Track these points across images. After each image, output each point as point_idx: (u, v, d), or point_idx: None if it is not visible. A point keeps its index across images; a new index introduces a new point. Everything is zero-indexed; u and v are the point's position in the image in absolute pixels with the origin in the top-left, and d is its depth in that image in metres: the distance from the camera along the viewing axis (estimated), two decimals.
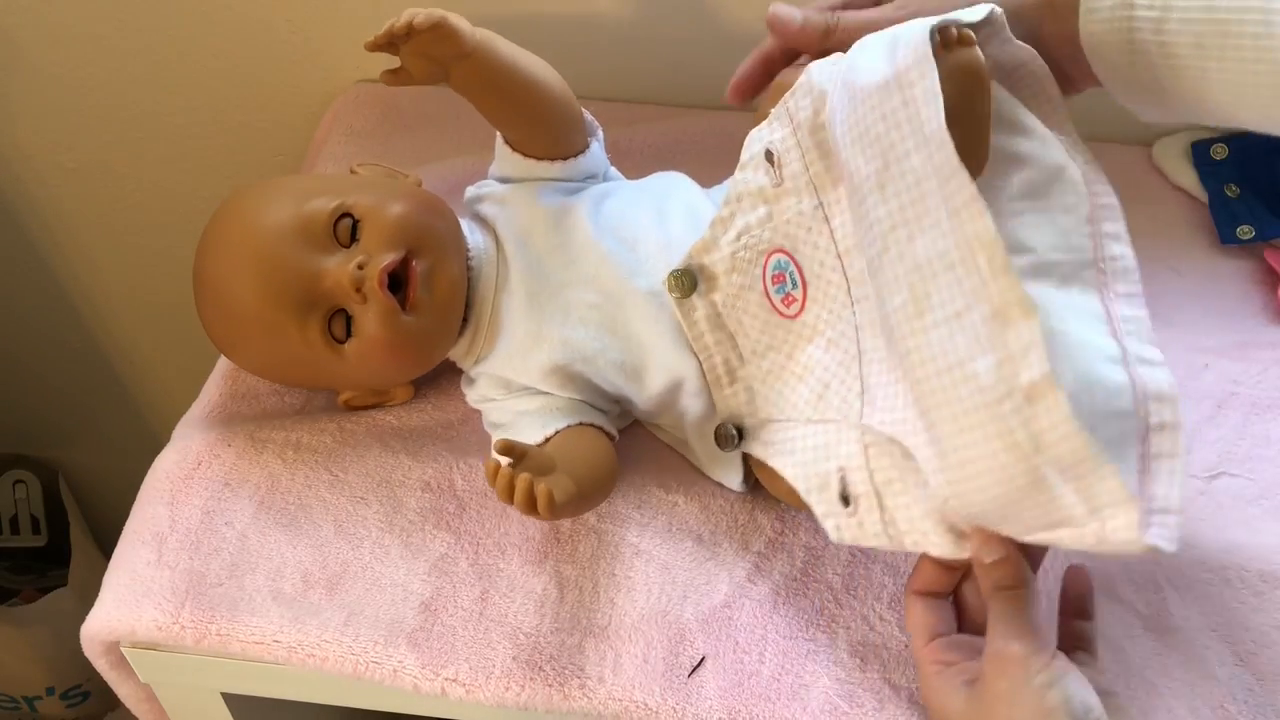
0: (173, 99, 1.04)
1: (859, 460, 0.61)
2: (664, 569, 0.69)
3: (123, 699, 0.75)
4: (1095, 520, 0.52)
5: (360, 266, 0.68)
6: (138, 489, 0.74)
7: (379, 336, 0.68)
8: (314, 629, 0.67)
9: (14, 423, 1.41)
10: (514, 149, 0.75)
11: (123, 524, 0.72)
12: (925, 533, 0.59)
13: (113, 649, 0.70)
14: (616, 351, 0.70)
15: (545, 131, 0.74)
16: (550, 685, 0.65)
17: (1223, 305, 0.84)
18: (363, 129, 0.96)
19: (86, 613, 0.69)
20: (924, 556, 0.61)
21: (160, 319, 1.27)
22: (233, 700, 0.75)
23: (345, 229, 0.70)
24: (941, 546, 0.58)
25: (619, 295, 0.70)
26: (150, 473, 0.74)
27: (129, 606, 0.68)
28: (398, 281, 0.68)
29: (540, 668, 0.65)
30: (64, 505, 1.43)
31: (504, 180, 0.76)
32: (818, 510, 0.63)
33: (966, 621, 0.62)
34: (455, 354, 0.74)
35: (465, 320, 0.72)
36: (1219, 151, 0.90)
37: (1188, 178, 0.91)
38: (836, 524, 0.62)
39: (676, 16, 0.93)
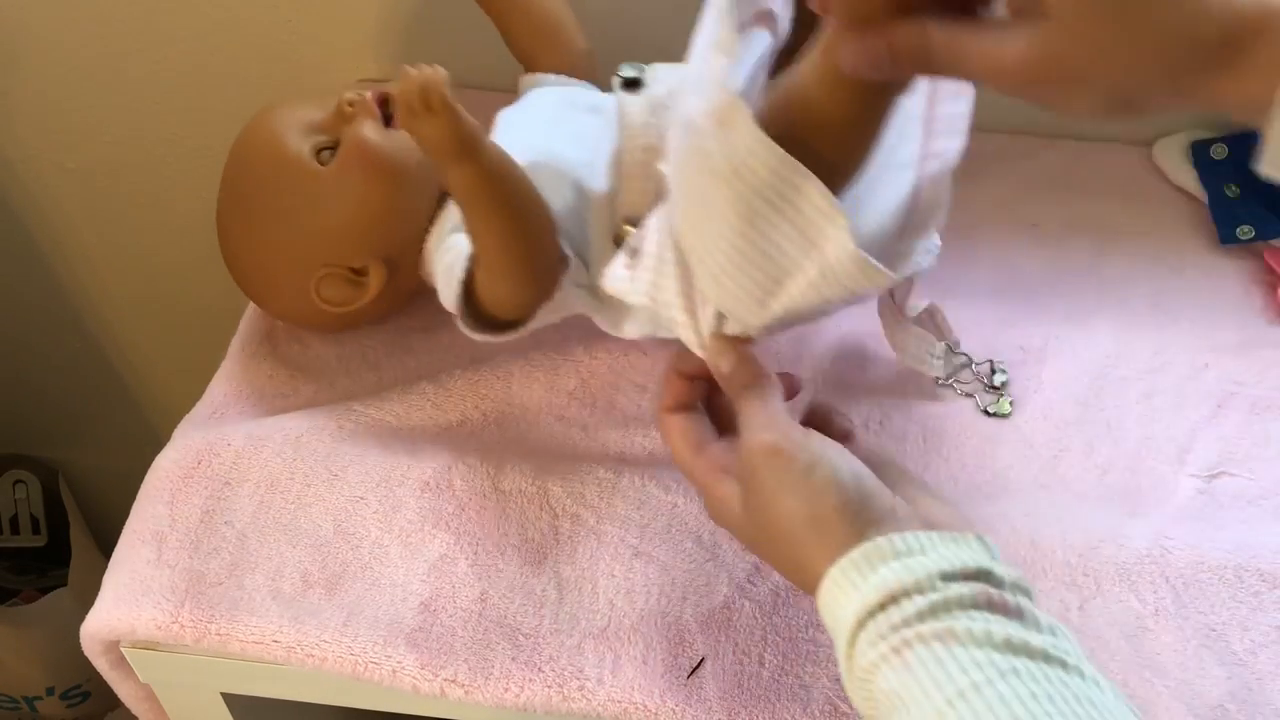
0: (172, 98, 1.04)
1: (664, 228, 0.62)
2: (664, 570, 0.69)
3: (123, 699, 0.75)
4: (815, 251, 0.54)
5: (350, 104, 0.72)
6: (138, 489, 0.74)
7: (357, 140, 0.71)
8: (313, 629, 0.67)
9: (14, 423, 1.41)
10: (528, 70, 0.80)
11: (123, 524, 0.72)
12: (678, 310, 0.61)
13: (112, 648, 0.70)
14: (573, 152, 0.71)
15: (553, 40, 0.79)
16: (549, 686, 0.65)
17: (1223, 305, 0.84)
18: None
19: (86, 613, 0.69)
20: (670, 376, 0.63)
21: (160, 319, 1.27)
22: (232, 700, 0.75)
23: (343, 106, 0.74)
24: (687, 329, 0.61)
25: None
26: (150, 472, 0.74)
27: (129, 606, 0.68)
28: (386, 113, 0.73)
29: (539, 668, 0.65)
30: (64, 505, 1.43)
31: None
32: (614, 261, 0.66)
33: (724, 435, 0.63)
34: (434, 228, 0.74)
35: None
36: (1219, 151, 0.90)
37: (1188, 178, 0.91)
38: (613, 271, 0.65)
39: None
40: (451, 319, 0.82)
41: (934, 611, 0.48)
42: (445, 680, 0.65)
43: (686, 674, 0.65)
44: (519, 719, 0.67)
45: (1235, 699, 0.64)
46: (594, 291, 0.70)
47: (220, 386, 0.79)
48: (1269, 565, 0.69)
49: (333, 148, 0.73)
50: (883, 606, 0.49)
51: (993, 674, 0.46)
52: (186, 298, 1.23)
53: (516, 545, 0.70)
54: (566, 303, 0.70)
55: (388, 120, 0.73)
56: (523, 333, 0.69)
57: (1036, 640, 0.48)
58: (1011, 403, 0.77)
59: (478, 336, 0.69)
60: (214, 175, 1.10)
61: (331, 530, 0.71)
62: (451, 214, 0.72)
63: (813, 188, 0.53)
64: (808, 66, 0.54)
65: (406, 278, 0.76)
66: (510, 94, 1.01)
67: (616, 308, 0.70)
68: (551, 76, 0.79)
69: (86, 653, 0.70)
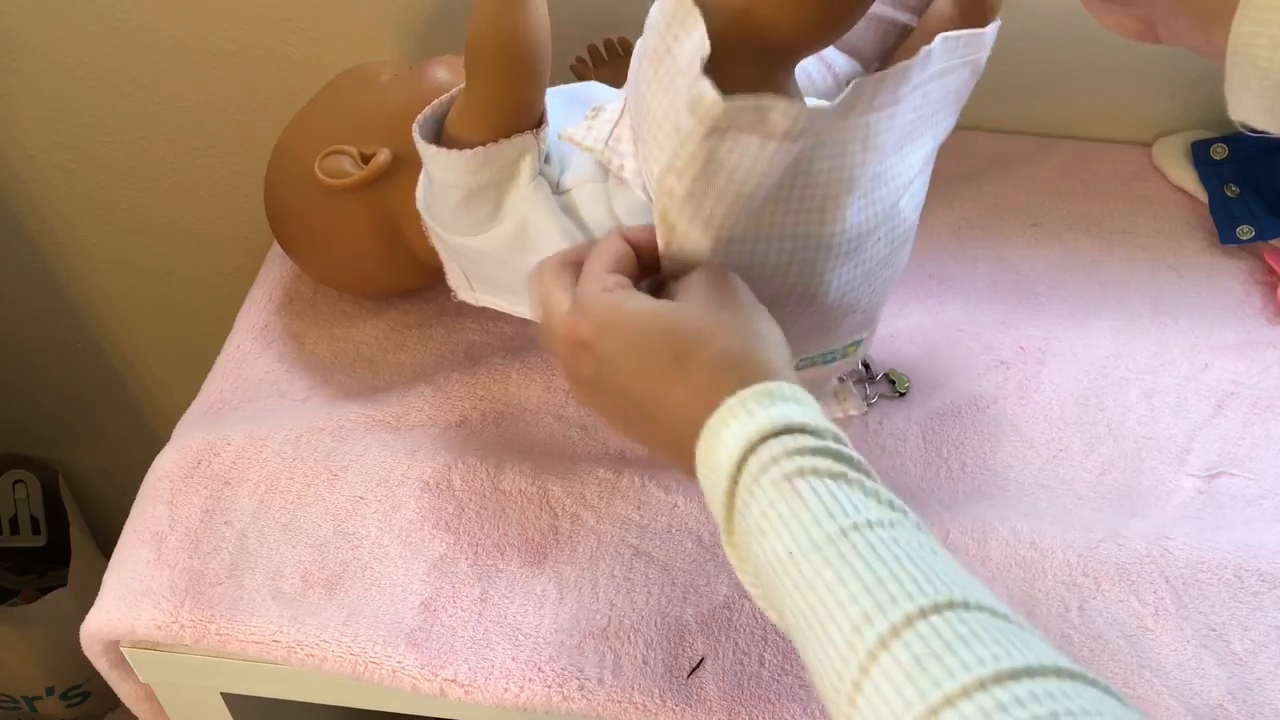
0: (173, 99, 1.04)
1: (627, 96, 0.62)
2: (664, 570, 0.69)
3: (123, 699, 0.75)
4: (673, 43, 0.54)
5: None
6: (138, 489, 0.74)
7: (426, 63, 0.77)
8: (313, 629, 0.67)
9: (14, 423, 1.41)
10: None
11: (123, 524, 0.72)
12: (625, 156, 0.62)
13: (112, 648, 0.70)
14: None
15: None
16: (549, 686, 0.65)
17: (1223, 305, 0.84)
18: None
19: (86, 613, 0.69)
20: (611, 235, 0.60)
21: (160, 319, 1.27)
22: (232, 700, 0.75)
23: None
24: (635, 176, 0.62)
25: None
26: (150, 472, 0.74)
27: (128, 606, 0.68)
28: None
29: (539, 668, 0.65)
30: (64, 505, 1.43)
31: None
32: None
33: None
34: None
35: None
36: (1219, 151, 0.90)
37: (1188, 178, 0.91)
38: (573, 127, 0.66)
39: None
40: (444, 317, 0.83)
41: (828, 453, 0.49)
42: (445, 680, 0.65)
43: (686, 674, 0.65)
44: (519, 719, 0.67)
45: (1235, 699, 0.64)
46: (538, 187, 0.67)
47: (216, 383, 0.79)
48: (1269, 565, 0.69)
49: None
50: (780, 432, 0.49)
51: (884, 517, 0.47)
52: (186, 298, 1.23)
53: (516, 545, 0.70)
54: (512, 181, 0.67)
55: None
56: (478, 156, 0.65)
57: (903, 505, 0.49)
58: (904, 373, 0.79)
59: (434, 157, 0.66)
60: (214, 175, 1.10)
61: (331, 530, 0.71)
62: None
63: (698, 30, 0.52)
64: None
65: (403, 192, 0.72)
66: None
67: (541, 222, 0.67)
68: None
69: (86, 653, 0.70)
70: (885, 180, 0.62)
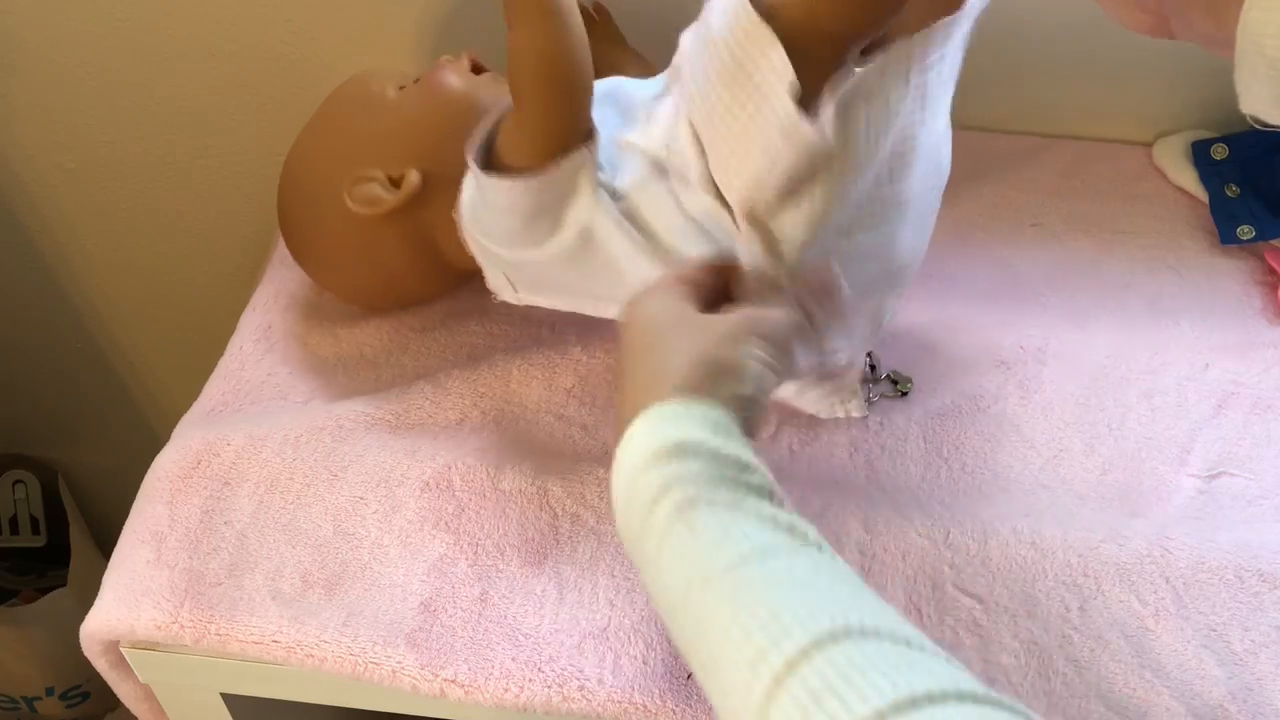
0: (172, 99, 1.04)
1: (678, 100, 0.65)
2: None
3: (122, 699, 0.75)
4: (769, 112, 0.57)
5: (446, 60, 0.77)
6: (137, 489, 0.74)
7: (434, 71, 0.76)
8: (313, 629, 0.66)
9: (14, 423, 1.41)
10: None
11: (122, 524, 0.72)
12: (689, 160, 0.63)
13: (112, 648, 0.70)
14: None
15: None
16: (549, 686, 0.65)
17: (1223, 305, 0.84)
18: None
19: (86, 613, 0.69)
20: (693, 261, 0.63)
21: (160, 319, 1.27)
22: (232, 700, 0.75)
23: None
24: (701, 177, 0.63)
25: None
26: (150, 472, 0.74)
27: (128, 606, 0.68)
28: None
29: (539, 669, 0.65)
30: (63, 505, 1.43)
31: None
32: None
33: None
34: None
35: None
36: (1219, 151, 0.90)
37: (1188, 178, 0.91)
38: (625, 132, 0.68)
39: None
40: (448, 319, 0.83)
41: (724, 480, 0.48)
42: (445, 680, 0.65)
43: (686, 674, 0.65)
44: (519, 719, 0.67)
45: (1235, 699, 0.64)
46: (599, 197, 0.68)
47: (218, 385, 0.79)
48: (1269, 565, 0.69)
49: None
50: (675, 455, 0.49)
51: (780, 544, 0.47)
52: (186, 298, 1.23)
53: (516, 545, 0.70)
54: (573, 197, 0.67)
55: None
56: (531, 182, 0.66)
57: (804, 528, 0.49)
58: (906, 374, 0.79)
59: (486, 183, 0.66)
60: (214, 175, 1.10)
61: (331, 530, 0.71)
62: None
63: (775, 52, 0.56)
64: None
65: (437, 214, 0.72)
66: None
67: (608, 233, 0.68)
68: None
69: (86, 653, 0.70)
70: (934, 132, 0.66)
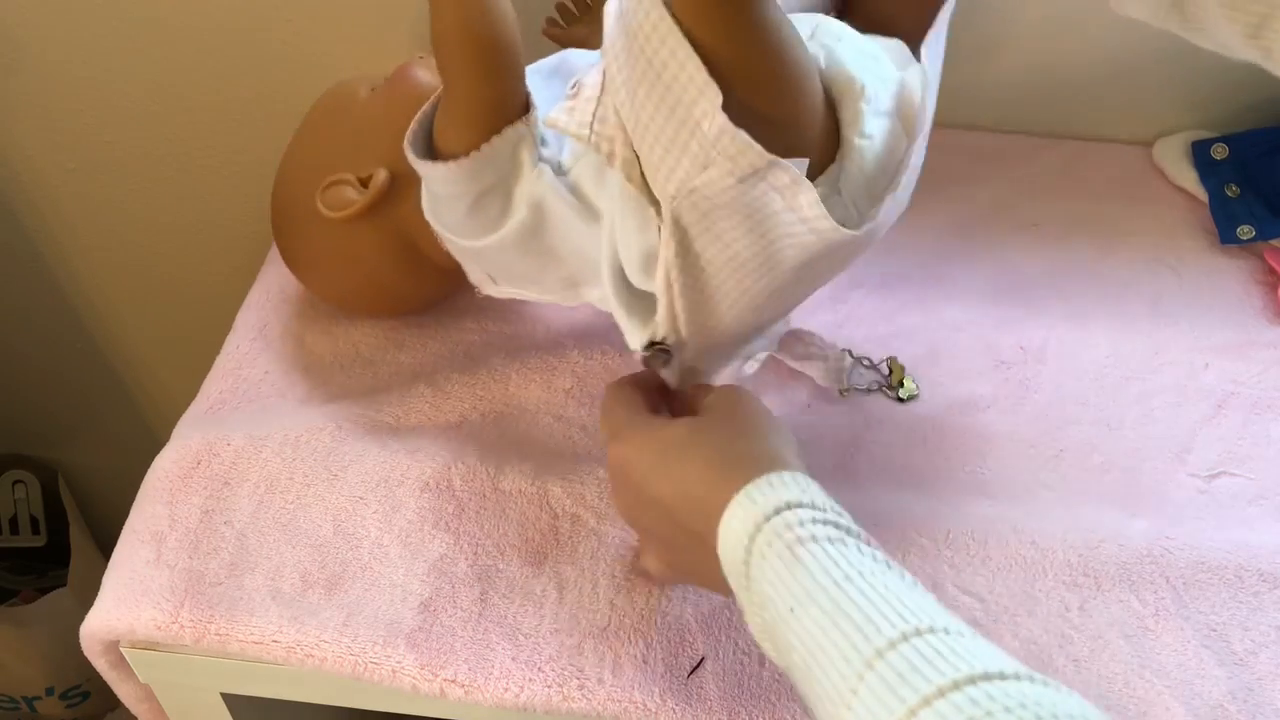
0: (172, 99, 1.04)
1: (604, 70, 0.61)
2: None
3: (122, 699, 0.75)
4: (692, 125, 0.54)
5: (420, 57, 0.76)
6: (137, 489, 0.74)
7: (405, 65, 0.75)
8: (313, 629, 0.66)
9: (14, 423, 1.41)
10: None
11: (122, 524, 0.72)
12: (615, 141, 0.60)
13: (112, 648, 0.70)
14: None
15: None
16: (549, 686, 0.65)
17: (1223, 305, 0.84)
18: None
19: (86, 613, 0.69)
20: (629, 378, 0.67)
21: (160, 319, 1.27)
22: (232, 700, 0.75)
23: None
24: (629, 165, 0.60)
25: None
26: (150, 472, 0.74)
27: (128, 606, 0.68)
28: None
29: (539, 668, 0.65)
30: (63, 505, 1.43)
31: None
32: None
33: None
34: None
35: None
36: (1219, 151, 0.90)
37: (1188, 178, 0.91)
38: (554, 111, 0.64)
39: None
40: (443, 317, 0.83)
41: (826, 522, 0.54)
42: (445, 680, 0.65)
43: (686, 674, 0.65)
44: (519, 719, 0.67)
45: (1235, 699, 0.64)
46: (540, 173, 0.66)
47: (215, 384, 0.79)
48: (1269, 565, 0.69)
49: None
50: (783, 509, 0.54)
51: (874, 569, 0.52)
52: (186, 298, 1.23)
53: (516, 545, 0.70)
54: (515, 174, 0.66)
55: None
56: (468, 164, 0.65)
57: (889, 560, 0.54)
58: (915, 382, 0.78)
59: (426, 168, 0.66)
60: (214, 175, 1.10)
61: (331, 530, 0.71)
62: None
63: (688, 56, 0.52)
64: None
65: (410, 207, 0.71)
66: None
67: (549, 211, 0.66)
68: None
69: (86, 653, 0.70)
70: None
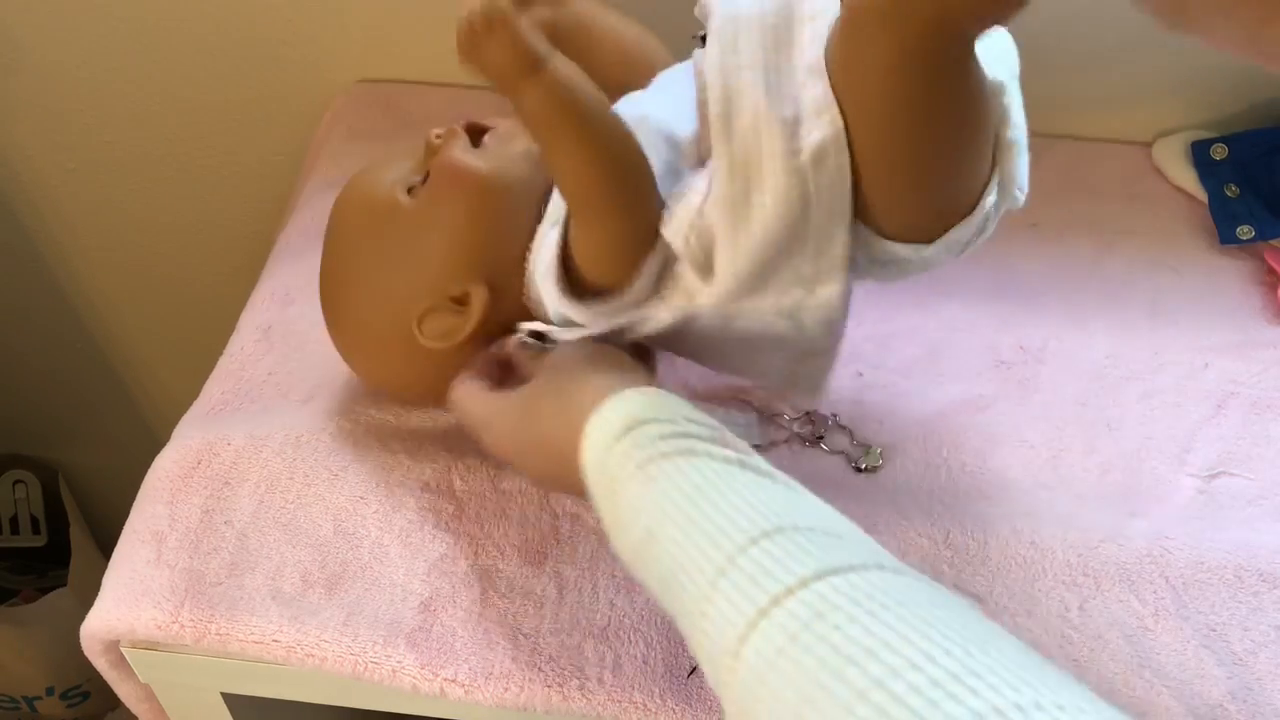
0: (172, 99, 1.04)
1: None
2: None
3: (123, 699, 0.75)
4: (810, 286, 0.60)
5: (438, 136, 0.70)
6: (138, 489, 0.74)
7: (444, 160, 0.68)
8: (313, 629, 0.67)
9: (14, 423, 1.41)
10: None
11: (123, 524, 0.72)
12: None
13: (112, 648, 0.70)
14: (664, 109, 0.67)
15: (645, 69, 0.74)
16: (549, 686, 0.65)
17: (1223, 305, 0.84)
18: (363, 129, 0.96)
19: (86, 613, 0.69)
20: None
21: (160, 319, 1.27)
22: (232, 700, 0.75)
23: (431, 140, 0.71)
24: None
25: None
26: (150, 472, 0.74)
27: (128, 605, 0.68)
28: (475, 140, 0.70)
29: (539, 668, 0.65)
30: (64, 505, 1.43)
31: None
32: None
33: None
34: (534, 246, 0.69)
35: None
36: (1219, 151, 0.90)
37: (1188, 178, 0.91)
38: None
39: None
40: None
41: (675, 434, 0.54)
42: (445, 680, 0.65)
43: (686, 674, 0.65)
44: (519, 719, 0.67)
45: (1235, 699, 0.64)
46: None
47: (218, 384, 0.79)
48: (1269, 565, 0.69)
49: (424, 181, 0.69)
50: (629, 429, 0.55)
51: (724, 470, 0.53)
52: (186, 298, 1.23)
53: (516, 546, 0.70)
54: (662, 290, 0.64)
55: (476, 144, 0.70)
56: (626, 300, 0.63)
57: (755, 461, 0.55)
58: (881, 453, 0.75)
59: (580, 312, 0.64)
60: (214, 175, 1.10)
61: (331, 530, 0.71)
62: (548, 219, 0.68)
63: (842, 247, 0.59)
64: None
65: (510, 304, 0.69)
66: None
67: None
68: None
69: (86, 653, 0.70)
70: None
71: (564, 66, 0.59)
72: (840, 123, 0.57)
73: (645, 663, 0.65)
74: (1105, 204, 0.90)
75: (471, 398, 0.66)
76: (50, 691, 1.39)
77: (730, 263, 0.60)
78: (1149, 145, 0.94)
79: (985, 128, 0.60)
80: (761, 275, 0.60)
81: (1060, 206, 0.90)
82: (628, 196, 0.62)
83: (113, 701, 1.25)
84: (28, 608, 1.36)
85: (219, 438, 0.74)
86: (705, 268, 0.61)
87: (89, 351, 1.32)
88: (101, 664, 0.71)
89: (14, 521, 1.46)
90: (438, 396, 0.70)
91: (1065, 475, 0.74)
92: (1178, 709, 0.64)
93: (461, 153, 0.68)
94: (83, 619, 0.69)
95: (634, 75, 0.73)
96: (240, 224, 1.14)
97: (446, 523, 0.71)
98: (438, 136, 0.69)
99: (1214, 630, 0.67)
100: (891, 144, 0.58)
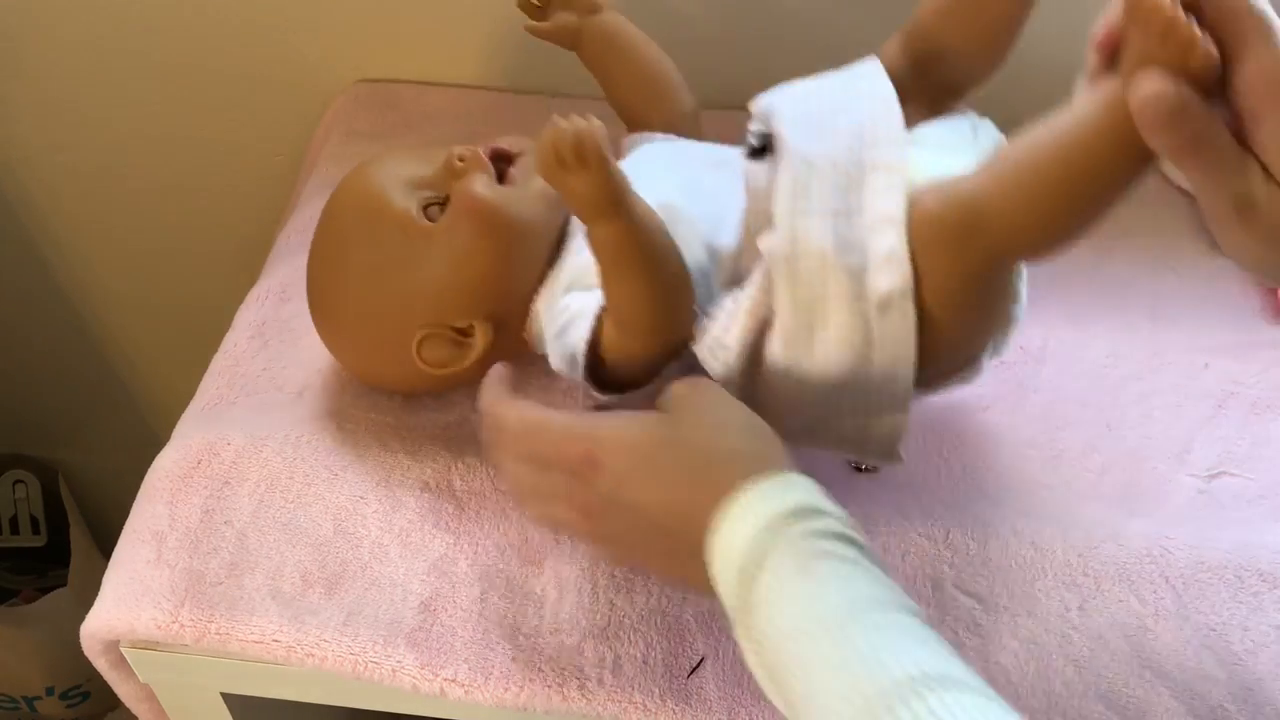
0: (172, 99, 1.04)
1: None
2: None
3: (123, 699, 0.75)
4: (865, 418, 0.63)
5: (461, 159, 0.69)
6: (138, 489, 0.74)
7: (470, 195, 0.68)
8: (313, 628, 0.67)
9: (14, 423, 1.41)
10: (632, 131, 0.78)
11: (123, 524, 0.72)
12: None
13: (112, 648, 0.70)
14: (700, 208, 0.68)
15: (662, 98, 0.77)
16: (549, 686, 0.65)
17: (1223, 305, 0.84)
18: (363, 129, 0.97)
19: (86, 613, 0.69)
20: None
21: (160, 319, 1.27)
22: (232, 700, 0.75)
23: (454, 161, 0.70)
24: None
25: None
26: (150, 471, 0.74)
27: (129, 605, 0.68)
28: (499, 168, 0.70)
29: (539, 668, 0.65)
30: (64, 505, 1.43)
31: None
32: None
33: None
34: (544, 289, 0.71)
35: (556, 256, 0.71)
36: None
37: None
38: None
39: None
40: None
41: (841, 537, 0.52)
42: (445, 680, 0.65)
43: (686, 674, 0.65)
44: (519, 719, 0.67)
45: (1235, 699, 0.64)
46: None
47: (213, 380, 0.79)
48: (1269, 565, 0.69)
49: (441, 203, 0.69)
50: (791, 520, 0.51)
51: (890, 600, 0.50)
52: (186, 297, 1.23)
53: (516, 545, 0.70)
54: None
55: (500, 176, 0.70)
56: (646, 390, 0.66)
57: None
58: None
59: (601, 396, 0.67)
60: (214, 174, 1.10)
61: (331, 530, 0.71)
62: (564, 273, 0.69)
63: (908, 379, 0.61)
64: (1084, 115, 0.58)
65: (511, 339, 0.72)
66: (509, 93, 1.01)
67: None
68: (659, 135, 0.77)
69: (86, 653, 0.70)
70: None
71: (639, 206, 0.60)
72: (911, 278, 0.59)
73: (645, 663, 0.65)
74: None
75: (526, 414, 0.61)
76: (50, 691, 1.38)
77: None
78: None
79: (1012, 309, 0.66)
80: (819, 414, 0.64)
81: None
82: (674, 326, 0.64)
83: (113, 701, 1.25)
84: (28, 608, 1.36)
85: (219, 438, 0.74)
86: (727, 382, 0.64)
87: (89, 351, 1.32)
88: (101, 664, 0.71)
89: (14, 521, 1.46)
90: (419, 392, 0.74)
91: (1065, 475, 0.74)
92: (1178, 709, 0.64)
93: (486, 189, 0.68)
94: (83, 619, 0.69)
95: (649, 97, 0.77)
96: (240, 224, 1.14)
97: (446, 523, 0.71)
98: (461, 160, 0.69)
99: (1214, 630, 0.67)
100: (943, 319, 0.61)
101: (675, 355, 0.66)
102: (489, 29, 0.96)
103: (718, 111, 0.80)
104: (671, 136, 0.77)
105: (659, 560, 0.59)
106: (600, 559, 0.65)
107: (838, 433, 0.65)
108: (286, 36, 0.99)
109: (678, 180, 0.70)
